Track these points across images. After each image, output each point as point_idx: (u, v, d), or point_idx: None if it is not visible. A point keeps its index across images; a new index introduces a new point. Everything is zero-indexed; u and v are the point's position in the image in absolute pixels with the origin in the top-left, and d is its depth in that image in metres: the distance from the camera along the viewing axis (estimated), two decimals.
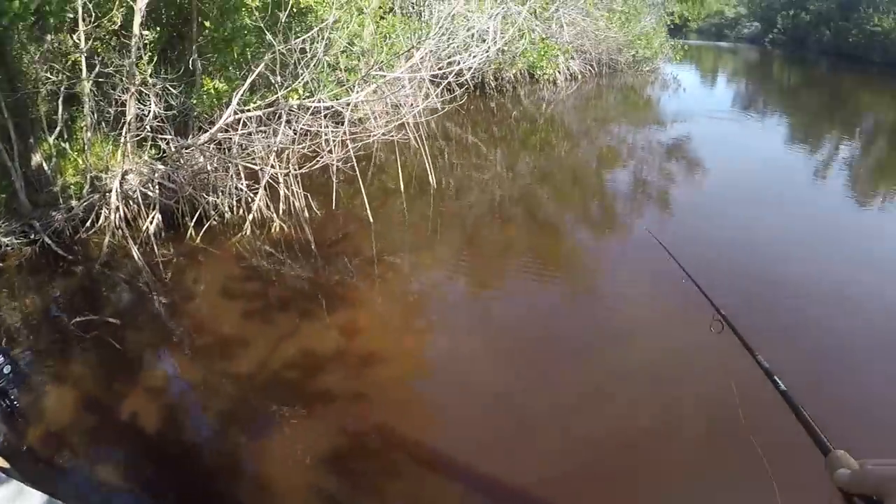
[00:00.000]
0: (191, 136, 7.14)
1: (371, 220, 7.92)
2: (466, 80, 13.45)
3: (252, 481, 4.00)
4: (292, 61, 7.05)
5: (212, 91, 6.87)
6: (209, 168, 7.18)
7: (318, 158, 7.62)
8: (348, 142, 7.78)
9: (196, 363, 5.26)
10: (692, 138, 13.84)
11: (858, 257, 7.72)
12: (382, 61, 8.16)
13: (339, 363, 5.15)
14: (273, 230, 7.52)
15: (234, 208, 7.62)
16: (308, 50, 7.06)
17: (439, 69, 9.44)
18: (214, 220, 7.46)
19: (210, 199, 7.32)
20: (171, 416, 4.60)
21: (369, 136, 8.10)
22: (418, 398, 4.95)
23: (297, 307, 6.10)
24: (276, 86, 7.00)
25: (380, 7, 10.03)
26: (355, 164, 7.98)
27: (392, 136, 8.67)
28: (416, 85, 10.15)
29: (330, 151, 7.55)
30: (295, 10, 7.26)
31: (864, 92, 27.37)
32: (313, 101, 7.12)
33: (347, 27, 7.99)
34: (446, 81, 8.93)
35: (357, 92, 7.60)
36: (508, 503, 3.96)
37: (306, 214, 7.92)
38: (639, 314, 6.15)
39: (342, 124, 7.73)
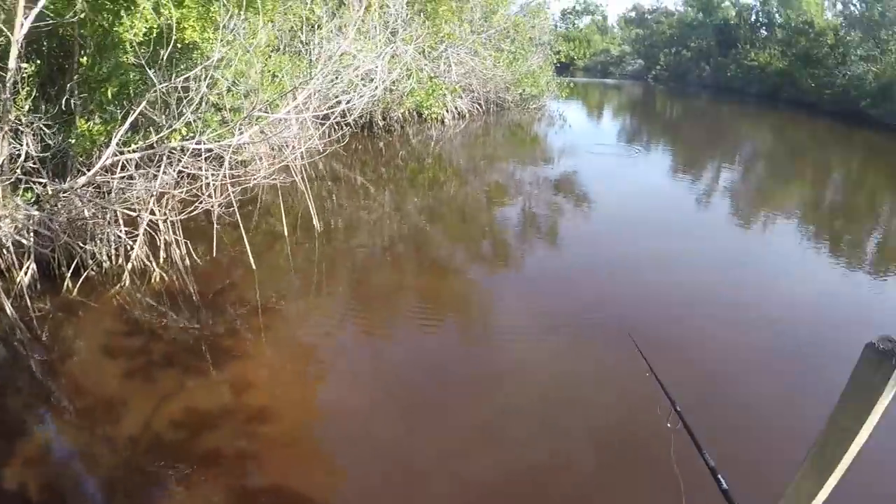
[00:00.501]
0: (68, 180, 6.88)
1: (254, 266, 7.89)
2: (354, 119, 13.73)
3: None
4: (174, 100, 7.02)
5: (86, 132, 6.72)
6: (87, 214, 6.95)
7: (197, 203, 7.50)
8: (229, 185, 7.71)
9: (77, 427, 5.06)
10: (578, 172, 14.87)
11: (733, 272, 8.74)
12: (267, 101, 8.22)
13: (226, 420, 5.08)
14: (154, 280, 7.35)
15: (113, 257, 7.39)
16: (191, 88, 7.06)
17: (329, 108, 9.61)
18: (93, 269, 7.19)
19: (88, 247, 7.07)
20: (52, 485, 4.43)
21: (251, 179, 8.07)
22: (308, 452, 4.96)
23: (182, 362, 5.95)
24: (158, 126, 6.93)
25: (267, 45, 10.05)
26: (236, 209, 7.97)
27: (275, 179, 8.67)
28: (302, 125, 10.23)
29: (210, 196, 7.49)
30: (179, 46, 7.27)
31: (741, 121, 30.09)
32: (195, 143, 7.10)
33: (233, 65, 8.04)
34: (333, 121, 9.04)
35: (240, 133, 7.60)
36: None
37: (188, 262, 7.77)
38: (528, 350, 6.45)
39: (226, 166, 7.72)
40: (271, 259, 8.51)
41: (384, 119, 16.41)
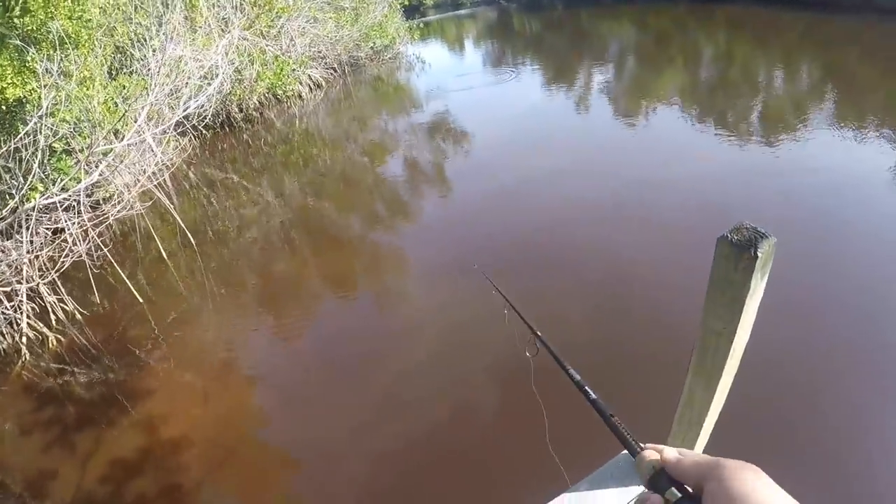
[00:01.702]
0: None
1: (141, 300, 7.92)
2: (210, 120, 13.56)
3: None
4: (16, 163, 6.92)
5: None
6: None
7: (63, 257, 7.45)
8: (89, 229, 7.65)
9: None
10: (451, 110, 15.32)
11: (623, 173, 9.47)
12: (111, 130, 8.12)
13: (149, 460, 5.26)
14: (51, 345, 7.30)
15: (6, 336, 7.23)
16: (27, 146, 6.94)
17: (185, 115, 9.51)
18: None
19: None
20: None
21: (110, 216, 7.96)
22: (234, 467, 5.13)
23: (97, 417, 6.04)
24: (9, 192, 6.81)
25: (101, 72, 9.79)
26: (105, 251, 7.86)
27: (135, 207, 8.59)
28: (159, 142, 10.11)
29: (74, 245, 7.40)
30: (4, 107, 7.11)
31: (601, 22, 30.90)
32: (50, 197, 6.99)
33: (69, 106, 7.87)
34: (189, 128, 8.96)
35: (87, 174, 7.50)
36: None
37: (79, 317, 7.73)
38: (437, 305, 6.85)
39: (93, 208, 7.63)
40: (161, 286, 8.43)
41: (241, 111, 16.22)
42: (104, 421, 5.94)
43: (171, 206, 9.27)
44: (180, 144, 11.48)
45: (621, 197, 8.55)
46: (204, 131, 14.32)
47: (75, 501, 5.00)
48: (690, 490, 0.83)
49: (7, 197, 6.98)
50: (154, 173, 9.32)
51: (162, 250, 8.92)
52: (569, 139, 11.73)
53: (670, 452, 0.91)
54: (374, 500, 4.54)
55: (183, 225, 9.26)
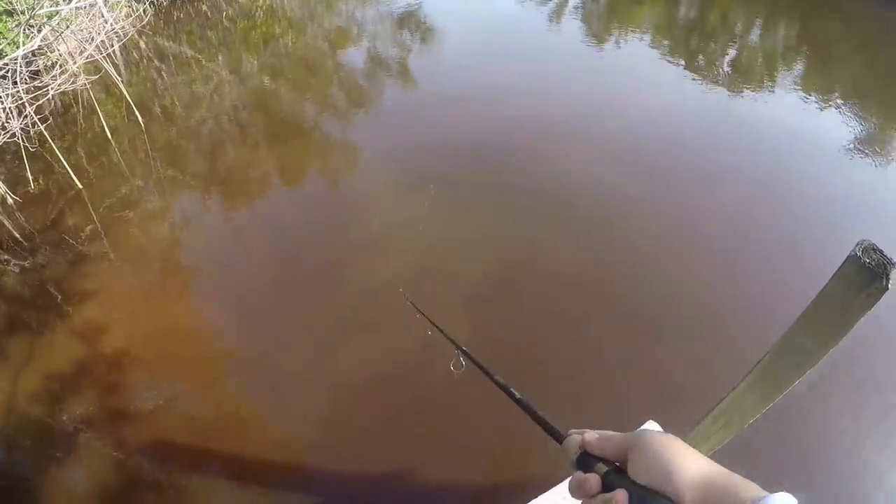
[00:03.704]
0: None
1: (79, 185, 7.43)
2: None
3: None
4: None
5: None
6: None
7: None
8: (26, 104, 7.07)
9: None
10: (421, 4, 14.45)
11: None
12: None
13: (87, 372, 5.06)
14: None
15: None
16: None
17: None
18: None
19: None
20: None
21: (50, 89, 7.43)
22: (176, 377, 5.04)
23: (31, 319, 5.73)
24: None
25: None
26: (42, 128, 7.32)
27: (79, 80, 8.11)
28: (111, 7, 9.46)
29: (8, 120, 6.92)
30: None
31: None
32: None
33: None
34: None
35: (34, 36, 6.99)
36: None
37: (9, 202, 7.19)
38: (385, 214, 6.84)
39: (32, 78, 7.13)
40: (103, 167, 8.04)
41: None
42: (38, 323, 5.69)
43: (119, 79, 8.72)
44: (133, 12, 10.73)
45: (577, 120, 8.66)
46: None
47: (5, 421, 4.81)
48: (617, 464, 0.89)
49: None
50: (103, 41, 8.71)
51: (105, 127, 8.46)
52: (537, 55, 11.49)
53: (590, 434, 0.96)
54: (327, 423, 4.56)
55: (130, 100, 8.81)
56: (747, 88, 9.97)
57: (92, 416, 4.72)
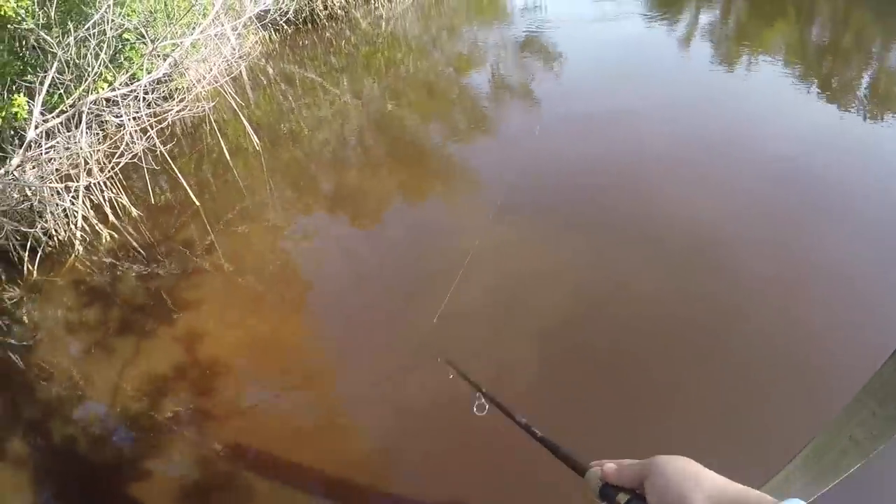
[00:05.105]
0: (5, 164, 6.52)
1: (196, 202, 7.74)
2: (293, 14, 13.16)
3: None
4: (81, 56, 6.70)
5: None
6: (28, 193, 6.69)
7: (118, 155, 7.18)
8: (149, 127, 7.42)
9: (47, 417, 5.12)
10: (546, 29, 14.25)
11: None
12: (185, 24, 7.84)
13: (185, 379, 5.19)
14: (105, 241, 7.27)
15: (63, 229, 7.15)
16: (92, 37, 6.65)
17: (265, 10, 9.18)
18: (47, 245, 7.09)
19: (37, 226, 6.84)
20: (25, 481, 4.60)
21: (172, 112, 7.71)
22: (278, 389, 5.04)
23: (143, 322, 5.99)
24: (67, 85, 6.57)
25: None
26: (165, 150, 7.63)
27: (203, 105, 8.32)
28: (238, 34, 9.79)
29: (134, 141, 7.23)
30: None
31: None
32: (119, 89, 6.76)
33: None
34: (269, 21, 8.58)
35: (162, 65, 7.27)
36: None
37: (134, 214, 7.67)
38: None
39: (159, 104, 7.42)
40: (221, 188, 8.31)
41: (325, 8, 15.59)
42: (149, 326, 5.90)
43: (242, 103, 8.97)
44: (259, 38, 11.09)
45: (695, 152, 7.91)
46: (285, 26, 13.89)
47: (108, 410, 5.03)
48: (636, 491, 0.91)
49: (71, 87, 6.73)
50: (230, 65, 9.01)
51: (225, 150, 8.69)
52: (658, 80, 10.78)
53: (608, 465, 0.98)
54: (398, 448, 4.39)
55: (251, 122, 9.04)
56: (887, 119, 8.95)
57: (185, 416, 4.86)
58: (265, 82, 12.01)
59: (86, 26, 6.56)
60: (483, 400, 1.90)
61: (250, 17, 9.45)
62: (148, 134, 7.45)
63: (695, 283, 5.55)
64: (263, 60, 12.29)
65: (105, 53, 6.57)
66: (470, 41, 14.53)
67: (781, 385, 4.45)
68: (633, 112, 9.01)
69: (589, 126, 8.73)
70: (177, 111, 7.74)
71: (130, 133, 7.22)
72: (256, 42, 11.05)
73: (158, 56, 7.40)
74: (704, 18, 14.74)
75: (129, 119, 7.10)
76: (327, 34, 14.45)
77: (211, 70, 8.82)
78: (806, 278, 5.50)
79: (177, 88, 8.73)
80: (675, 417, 4.35)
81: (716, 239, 6.04)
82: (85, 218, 7.17)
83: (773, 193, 6.77)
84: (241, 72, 9.69)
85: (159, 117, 7.57)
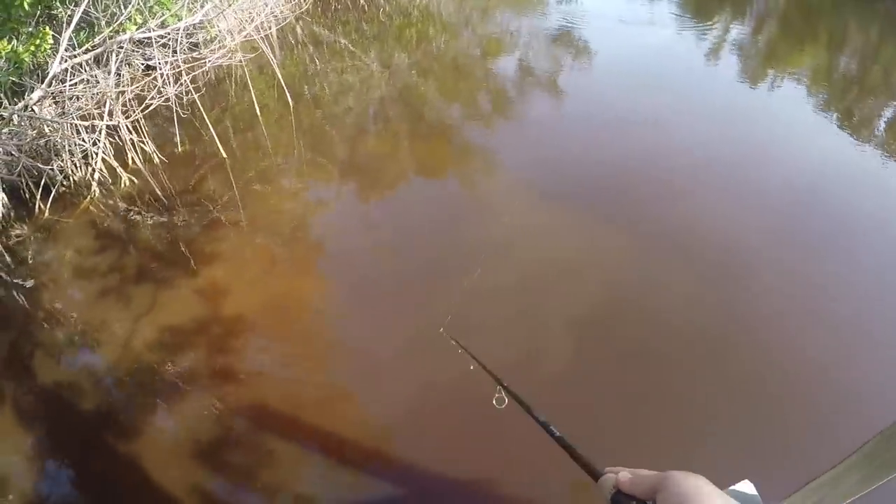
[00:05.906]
0: (25, 97, 6.30)
1: (224, 154, 7.72)
2: None
3: (124, 484, 4.04)
4: None
5: (11, 53, 5.80)
6: (46, 130, 6.54)
7: (149, 98, 7.13)
8: (183, 73, 7.31)
9: (54, 361, 5.07)
10: (579, 23, 14.00)
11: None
12: None
13: (204, 334, 5.12)
14: (123, 185, 7.19)
15: (80, 169, 7.09)
16: None
17: None
18: (62, 185, 7.00)
19: (53, 164, 6.75)
20: (29, 426, 4.53)
21: (207, 61, 7.59)
22: (288, 352, 4.99)
23: (159, 271, 5.92)
24: (99, 24, 6.37)
25: None
26: (195, 98, 7.60)
27: (234, 57, 8.20)
28: None
29: (164, 85, 7.13)
30: None
31: None
32: (146, 31, 6.57)
33: None
34: None
35: (197, 11, 7.10)
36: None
37: (156, 161, 7.54)
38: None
39: (191, 50, 7.25)
40: (248, 141, 8.27)
41: None
42: (163, 275, 5.84)
43: (273, 60, 8.78)
44: None
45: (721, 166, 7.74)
46: None
47: (120, 360, 4.94)
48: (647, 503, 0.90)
49: (102, 24, 6.54)
50: (262, 22, 8.84)
51: (255, 103, 8.62)
52: (685, 90, 10.59)
53: (623, 473, 0.97)
54: (412, 415, 4.38)
55: (283, 81, 8.94)
56: None
57: (199, 371, 4.81)
58: (293, 42, 11.87)
59: None
60: (503, 394, 1.90)
61: None
62: (180, 80, 7.33)
63: (720, 291, 5.50)
64: (294, 21, 12.10)
65: None
66: (502, 26, 14.32)
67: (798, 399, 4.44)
68: (668, 122, 8.86)
69: (607, 127, 8.62)
70: (215, 59, 7.60)
71: (162, 76, 7.09)
72: (289, 1, 10.82)
73: (197, 2, 7.23)
74: (737, 31, 14.52)
75: (163, 61, 6.93)
76: (361, 1, 14.22)
77: (245, 24, 8.61)
78: (832, 299, 5.46)
79: (210, 38, 8.56)
80: (692, 420, 4.35)
81: (743, 249, 6.01)
82: (104, 160, 7.04)
83: (802, 216, 6.74)
84: (271, 30, 9.50)
85: (192, 63, 7.40)
